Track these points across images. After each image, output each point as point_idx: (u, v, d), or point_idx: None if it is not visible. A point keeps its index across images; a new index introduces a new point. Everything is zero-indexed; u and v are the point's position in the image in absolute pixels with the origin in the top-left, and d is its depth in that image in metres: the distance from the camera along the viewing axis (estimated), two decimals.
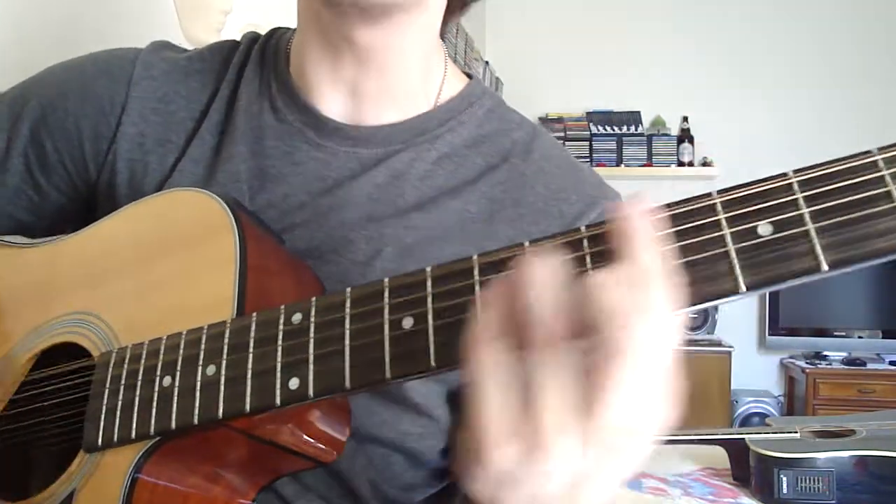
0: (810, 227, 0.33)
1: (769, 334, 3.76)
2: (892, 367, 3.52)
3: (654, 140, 3.85)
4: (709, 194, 0.36)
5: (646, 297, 0.32)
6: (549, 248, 0.38)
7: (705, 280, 0.34)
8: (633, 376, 0.33)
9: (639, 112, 3.89)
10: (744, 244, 0.34)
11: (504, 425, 0.35)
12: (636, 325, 0.32)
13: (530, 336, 0.34)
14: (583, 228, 0.38)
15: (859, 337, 3.69)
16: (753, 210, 0.34)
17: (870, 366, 3.52)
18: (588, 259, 0.37)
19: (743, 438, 1.55)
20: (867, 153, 0.34)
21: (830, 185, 0.34)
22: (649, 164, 3.83)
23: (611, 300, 0.33)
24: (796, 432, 1.57)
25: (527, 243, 0.39)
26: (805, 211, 0.34)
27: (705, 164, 3.75)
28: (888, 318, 3.66)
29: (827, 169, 0.34)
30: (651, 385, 0.34)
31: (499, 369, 0.35)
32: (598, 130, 3.90)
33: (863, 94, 3.68)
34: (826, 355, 3.64)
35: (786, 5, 3.80)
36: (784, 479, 1.45)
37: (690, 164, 3.77)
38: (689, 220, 0.35)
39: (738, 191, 0.35)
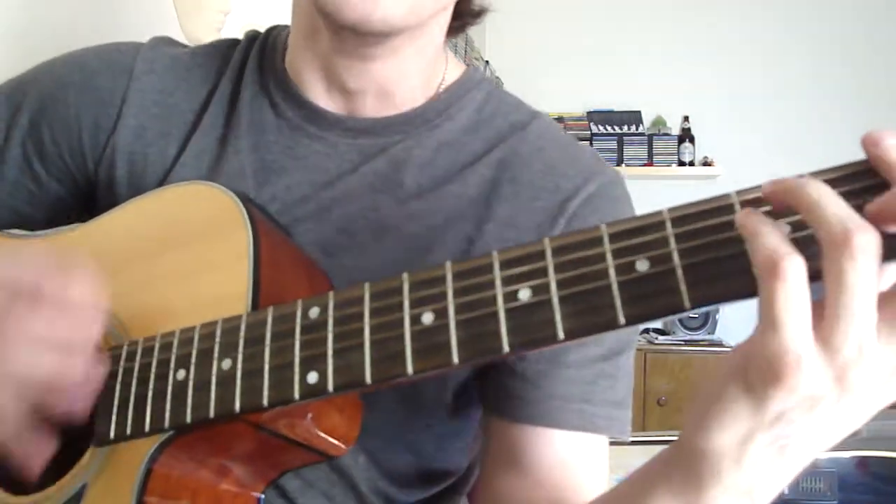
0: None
1: None
2: None
3: (655, 140, 3.85)
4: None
5: None
6: (568, 242, 0.38)
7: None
8: None
9: (639, 111, 3.88)
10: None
11: (812, 346, 0.33)
12: None
13: (835, 247, 0.32)
14: (603, 227, 0.39)
15: None
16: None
17: None
18: (609, 254, 0.37)
19: None
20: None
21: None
22: (650, 164, 3.82)
23: None
24: None
25: (546, 240, 0.39)
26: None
27: (706, 163, 3.74)
28: None
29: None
30: None
31: (801, 285, 0.33)
32: (599, 130, 3.90)
33: (864, 93, 3.68)
34: None
35: (787, 5, 3.80)
36: None
37: (691, 163, 3.77)
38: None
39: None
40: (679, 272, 0.36)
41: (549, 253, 0.39)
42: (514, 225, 0.61)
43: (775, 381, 0.34)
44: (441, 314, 0.39)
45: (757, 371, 0.35)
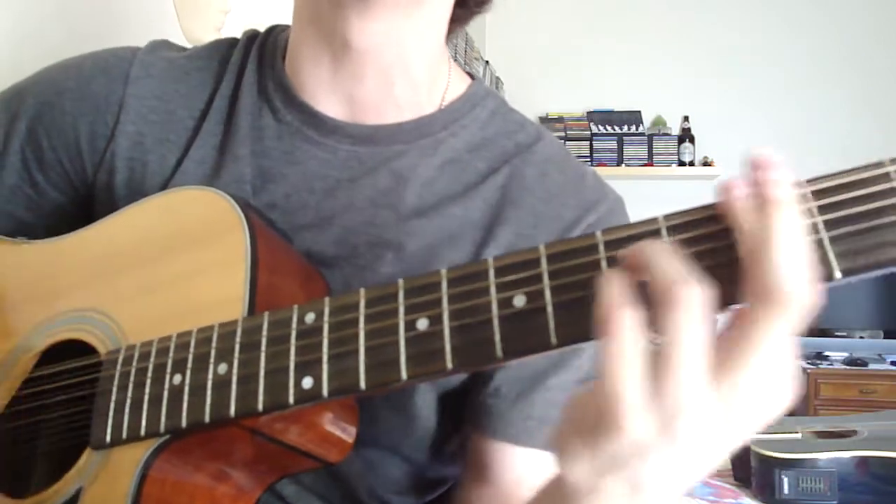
0: (823, 235, 0.35)
1: None
2: (894, 368, 3.51)
3: (655, 140, 3.85)
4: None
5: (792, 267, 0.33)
6: (563, 249, 0.38)
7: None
8: (776, 337, 0.33)
9: (639, 111, 3.88)
10: None
11: (639, 393, 0.34)
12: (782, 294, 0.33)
13: (663, 302, 0.34)
14: (598, 233, 0.38)
15: (861, 337, 3.69)
16: None
17: (871, 366, 3.51)
18: (603, 263, 0.37)
19: None
20: (879, 164, 0.35)
21: (842, 195, 0.35)
22: (650, 164, 3.83)
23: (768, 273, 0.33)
24: (798, 433, 1.57)
25: (542, 247, 0.39)
26: (818, 220, 0.35)
27: (706, 163, 3.75)
28: (890, 318, 3.65)
29: (839, 179, 0.35)
30: (785, 354, 0.34)
31: (631, 337, 0.34)
32: (599, 130, 3.90)
33: (863, 94, 3.69)
34: (827, 355, 3.63)
35: (787, 6, 3.80)
36: (785, 479, 1.45)
37: (691, 163, 3.77)
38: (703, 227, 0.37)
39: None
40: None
41: (544, 260, 0.38)
42: (515, 250, 0.61)
43: (605, 428, 0.35)
44: (436, 320, 0.39)
45: (591, 417, 0.36)
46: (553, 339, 0.37)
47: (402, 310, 0.40)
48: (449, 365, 0.38)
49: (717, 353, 0.34)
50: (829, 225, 0.35)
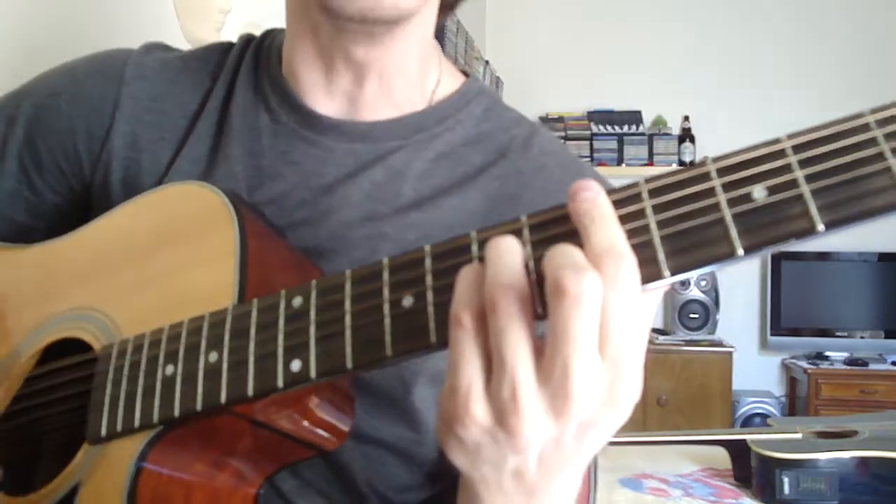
0: (804, 189, 0.34)
1: (770, 335, 3.76)
2: (895, 368, 3.52)
3: (656, 139, 3.85)
4: (703, 162, 0.37)
5: (604, 275, 0.34)
6: (544, 221, 0.38)
7: (701, 245, 0.35)
8: (584, 352, 0.34)
9: (640, 111, 3.88)
10: (739, 209, 0.35)
11: (478, 388, 0.36)
12: (584, 305, 0.34)
13: (499, 311, 0.35)
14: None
15: (861, 337, 3.69)
16: (748, 176, 0.35)
17: (872, 366, 3.51)
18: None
19: (744, 439, 1.55)
20: (859, 115, 0.35)
21: (823, 147, 0.35)
22: (650, 164, 3.83)
23: (561, 279, 0.34)
24: (798, 433, 1.57)
25: (524, 217, 0.39)
26: (799, 174, 0.34)
27: None
28: (890, 318, 3.65)
29: (819, 133, 0.35)
30: (618, 357, 0.36)
31: (475, 338, 0.36)
32: (599, 130, 3.90)
33: (864, 93, 3.68)
34: (828, 356, 3.64)
35: (787, 5, 3.80)
36: (785, 479, 1.44)
37: (692, 163, 3.77)
38: (684, 188, 0.36)
39: (732, 158, 0.36)
40: (657, 240, 0.36)
41: (526, 230, 0.38)
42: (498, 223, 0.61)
43: (456, 419, 0.37)
44: (420, 297, 0.39)
45: (448, 408, 0.38)
46: (539, 310, 0.36)
47: (386, 288, 0.40)
48: (433, 340, 0.38)
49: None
50: (810, 179, 0.34)
